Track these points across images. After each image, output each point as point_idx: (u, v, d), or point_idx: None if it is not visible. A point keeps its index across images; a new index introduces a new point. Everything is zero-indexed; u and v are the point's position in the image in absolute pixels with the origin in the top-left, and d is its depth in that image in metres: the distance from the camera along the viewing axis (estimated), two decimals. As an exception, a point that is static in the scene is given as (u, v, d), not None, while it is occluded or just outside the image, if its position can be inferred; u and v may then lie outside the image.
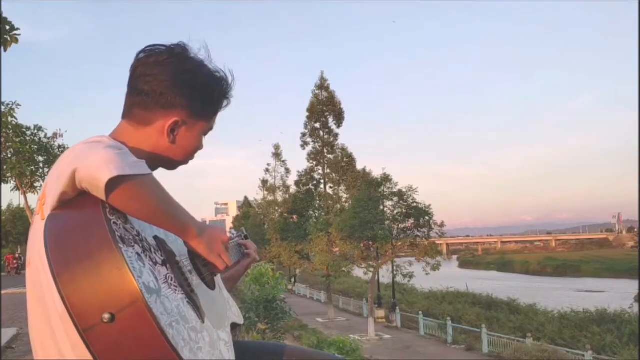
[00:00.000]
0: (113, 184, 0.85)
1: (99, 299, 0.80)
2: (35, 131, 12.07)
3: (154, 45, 1.09)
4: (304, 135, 29.54)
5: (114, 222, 0.87)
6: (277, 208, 35.77)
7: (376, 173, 24.84)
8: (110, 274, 0.81)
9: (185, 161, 1.16)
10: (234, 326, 1.24)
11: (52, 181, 0.94)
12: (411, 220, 22.62)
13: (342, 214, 24.83)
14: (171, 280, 0.93)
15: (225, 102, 1.17)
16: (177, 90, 1.07)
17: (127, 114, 1.09)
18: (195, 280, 1.07)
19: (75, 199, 0.91)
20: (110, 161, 0.86)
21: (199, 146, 1.15)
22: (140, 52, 1.09)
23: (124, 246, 0.84)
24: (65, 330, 0.84)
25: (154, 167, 1.09)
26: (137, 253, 0.87)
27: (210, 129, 1.18)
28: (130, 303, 0.80)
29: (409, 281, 24.17)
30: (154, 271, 0.89)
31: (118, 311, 0.79)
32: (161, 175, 1.13)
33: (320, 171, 30.10)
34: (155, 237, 0.99)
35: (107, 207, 0.88)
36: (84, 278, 0.81)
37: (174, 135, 1.09)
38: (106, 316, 0.79)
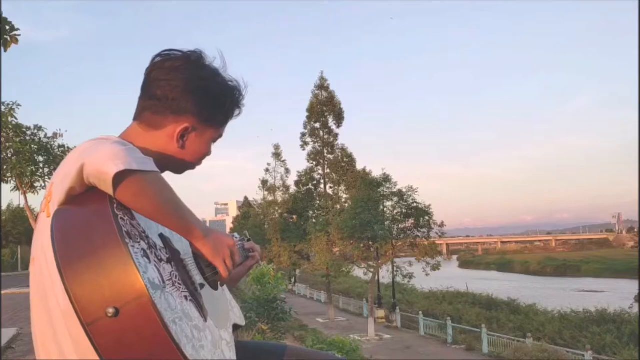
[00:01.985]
0: (120, 178, 0.86)
1: (103, 293, 0.80)
2: (35, 131, 12.07)
3: (170, 50, 1.10)
4: (303, 135, 29.56)
5: (121, 218, 0.88)
6: (277, 208, 35.74)
7: (376, 173, 24.86)
8: (116, 269, 0.81)
9: (193, 166, 1.17)
10: (236, 327, 1.24)
11: (59, 179, 0.95)
12: (411, 220, 22.62)
13: (341, 214, 24.83)
14: (175, 278, 0.93)
15: (237, 112, 1.18)
16: (189, 97, 1.08)
17: (138, 117, 1.11)
18: (199, 279, 1.07)
19: (82, 194, 0.92)
20: (117, 156, 0.87)
21: (207, 152, 1.17)
22: (156, 56, 1.10)
23: (130, 241, 0.84)
24: (67, 328, 0.84)
25: (161, 170, 1.09)
26: (143, 249, 0.87)
27: (220, 136, 1.19)
28: (135, 298, 0.80)
29: (409, 281, 24.17)
30: (159, 268, 0.89)
31: (122, 306, 0.80)
32: (163, 176, 1.14)
33: (320, 171, 30.10)
34: (161, 235, 0.99)
35: (114, 203, 0.89)
36: (89, 272, 0.81)
37: (183, 140, 1.10)
38: (110, 310, 0.79)
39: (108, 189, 0.87)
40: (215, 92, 1.12)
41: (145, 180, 0.89)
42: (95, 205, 0.89)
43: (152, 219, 0.94)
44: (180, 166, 1.14)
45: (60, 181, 0.93)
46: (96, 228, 0.85)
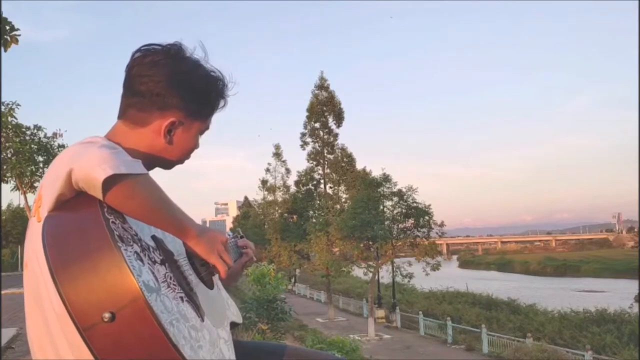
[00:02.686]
0: (109, 183, 0.86)
1: (98, 298, 0.80)
2: (35, 131, 12.09)
3: (150, 44, 1.09)
4: (303, 135, 29.54)
5: (112, 222, 0.87)
6: (277, 208, 35.74)
7: (376, 173, 24.85)
8: (110, 273, 0.81)
9: (181, 161, 1.16)
10: (233, 325, 1.24)
11: (47, 183, 0.94)
12: (411, 220, 22.60)
13: (341, 214, 24.83)
14: (170, 279, 0.93)
15: (222, 103, 1.17)
16: (173, 91, 1.07)
17: (122, 115, 1.09)
18: (193, 279, 1.07)
19: (73, 199, 0.91)
20: (105, 160, 0.87)
21: (195, 146, 1.16)
22: (136, 52, 1.09)
23: (122, 245, 0.84)
24: (63, 331, 0.84)
25: (150, 167, 1.09)
26: (136, 252, 0.87)
27: (207, 128, 1.18)
28: (131, 301, 0.80)
29: (408, 281, 24.17)
30: (153, 270, 0.89)
31: (118, 310, 0.79)
32: (161, 175, 1.13)
33: (320, 171, 30.09)
34: (154, 237, 0.99)
35: (104, 207, 0.89)
36: (83, 277, 0.81)
37: (170, 135, 1.09)
38: (106, 315, 0.79)
39: (98, 193, 0.87)
40: (199, 85, 1.11)
41: (134, 183, 0.89)
42: (86, 210, 0.88)
43: (144, 221, 0.93)
44: (168, 162, 1.13)
45: (50, 186, 0.92)
46: (88, 233, 0.85)
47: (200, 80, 1.11)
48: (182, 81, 1.08)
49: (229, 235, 1.36)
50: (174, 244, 1.06)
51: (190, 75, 1.09)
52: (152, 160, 1.09)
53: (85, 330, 0.79)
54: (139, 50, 1.09)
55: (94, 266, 0.82)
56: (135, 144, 1.06)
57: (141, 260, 0.87)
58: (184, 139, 1.11)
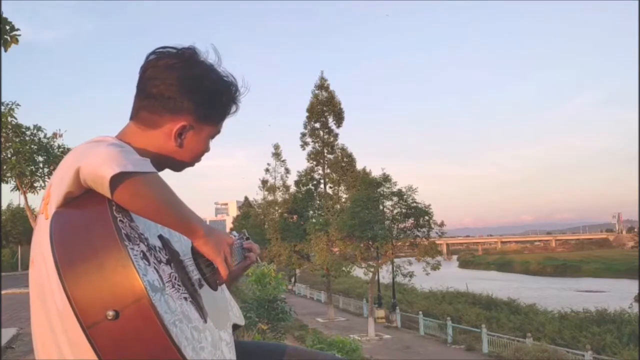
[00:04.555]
0: (116, 181, 0.85)
1: (103, 295, 0.80)
2: (35, 131, 12.07)
3: (165, 47, 1.09)
4: (303, 135, 29.55)
5: (120, 220, 0.87)
6: (277, 208, 35.73)
7: (376, 173, 24.85)
8: (115, 271, 0.81)
9: (191, 163, 1.16)
10: (235, 327, 1.24)
11: (56, 181, 0.94)
12: (411, 220, 22.62)
13: (341, 214, 24.82)
14: (175, 279, 0.93)
15: (233, 108, 1.17)
16: (186, 95, 1.07)
17: (134, 116, 1.10)
18: (198, 280, 1.07)
19: (81, 197, 0.91)
20: (113, 158, 0.87)
21: (205, 149, 1.16)
22: (150, 54, 1.09)
23: (129, 244, 0.84)
24: (64, 329, 0.84)
25: (160, 168, 1.09)
26: (142, 251, 0.87)
27: (218, 132, 1.18)
28: (135, 300, 0.80)
29: (409, 280, 24.17)
30: (159, 270, 0.89)
31: (122, 308, 0.79)
32: (161, 175, 1.13)
33: (320, 171, 30.10)
34: (160, 237, 0.99)
35: (113, 205, 0.89)
36: (89, 275, 0.81)
37: (181, 139, 1.09)
38: (110, 313, 0.79)
39: (105, 191, 0.87)
40: (211, 89, 1.11)
41: (141, 181, 0.89)
42: (94, 208, 0.88)
43: (152, 219, 0.93)
44: (178, 164, 1.14)
45: (58, 184, 0.93)
46: (95, 230, 0.85)
47: (212, 85, 1.11)
48: (195, 85, 1.08)
49: (235, 236, 1.36)
50: (180, 244, 1.06)
51: (203, 79, 1.09)
52: (162, 162, 1.10)
53: (89, 327, 0.79)
54: (153, 52, 1.09)
55: (100, 264, 0.81)
56: (145, 145, 1.07)
57: (147, 259, 0.87)
58: (195, 142, 1.12)
